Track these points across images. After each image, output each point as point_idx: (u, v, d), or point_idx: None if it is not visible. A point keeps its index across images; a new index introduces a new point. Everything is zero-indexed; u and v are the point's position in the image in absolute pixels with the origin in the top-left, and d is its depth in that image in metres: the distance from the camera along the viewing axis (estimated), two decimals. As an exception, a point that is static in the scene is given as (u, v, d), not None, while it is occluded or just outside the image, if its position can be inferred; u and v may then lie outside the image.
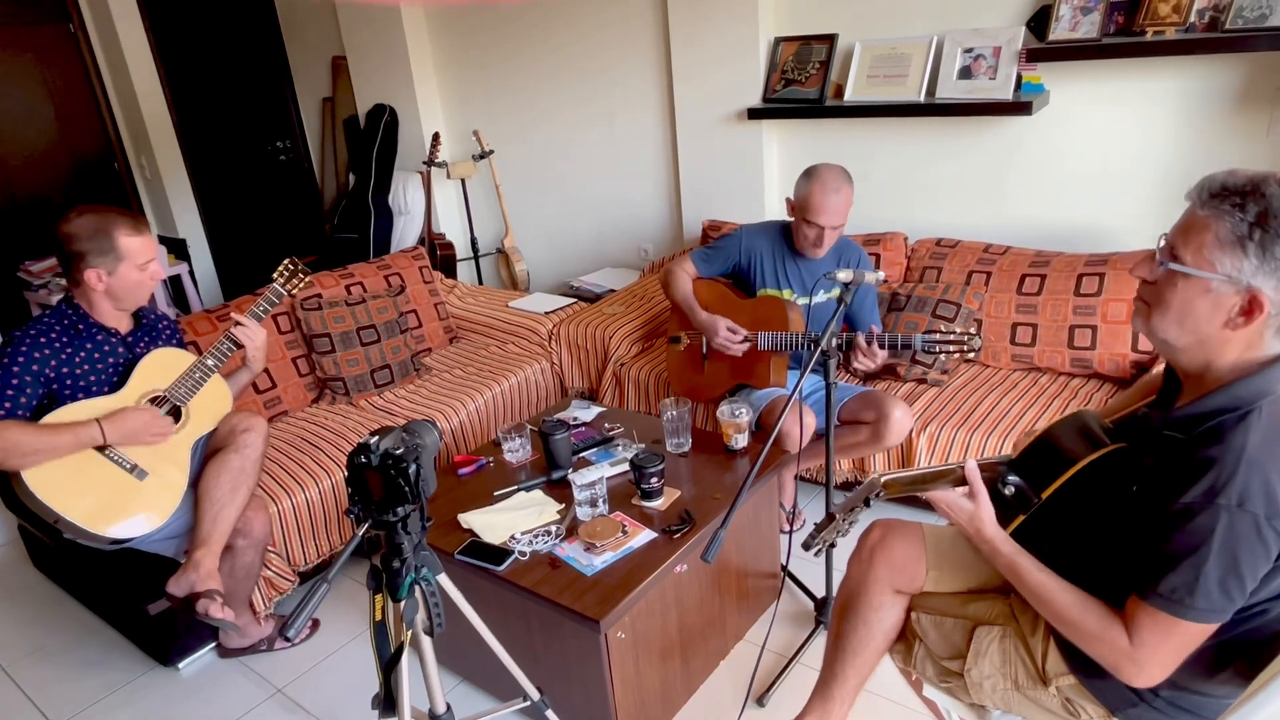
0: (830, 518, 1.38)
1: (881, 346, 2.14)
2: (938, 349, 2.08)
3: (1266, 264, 1.04)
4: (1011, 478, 1.32)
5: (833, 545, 1.40)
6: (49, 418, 2.02)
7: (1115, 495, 1.20)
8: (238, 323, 2.23)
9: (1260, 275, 1.05)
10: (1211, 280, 1.07)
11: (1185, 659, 1.17)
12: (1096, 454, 1.25)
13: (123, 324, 2.19)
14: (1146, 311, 1.17)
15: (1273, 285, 1.05)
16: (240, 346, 2.25)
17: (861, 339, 2.12)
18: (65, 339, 2.08)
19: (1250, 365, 1.11)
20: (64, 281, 2.13)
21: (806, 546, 1.37)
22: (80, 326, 2.11)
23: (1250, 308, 1.06)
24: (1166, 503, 1.10)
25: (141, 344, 2.23)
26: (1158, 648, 1.13)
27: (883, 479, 1.36)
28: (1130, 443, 1.26)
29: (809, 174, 2.35)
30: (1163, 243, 1.15)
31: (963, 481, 1.33)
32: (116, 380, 2.15)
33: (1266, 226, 1.03)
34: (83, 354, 2.10)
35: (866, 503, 1.37)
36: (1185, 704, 1.24)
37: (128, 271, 2.07)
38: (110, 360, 2.14)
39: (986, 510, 1.30)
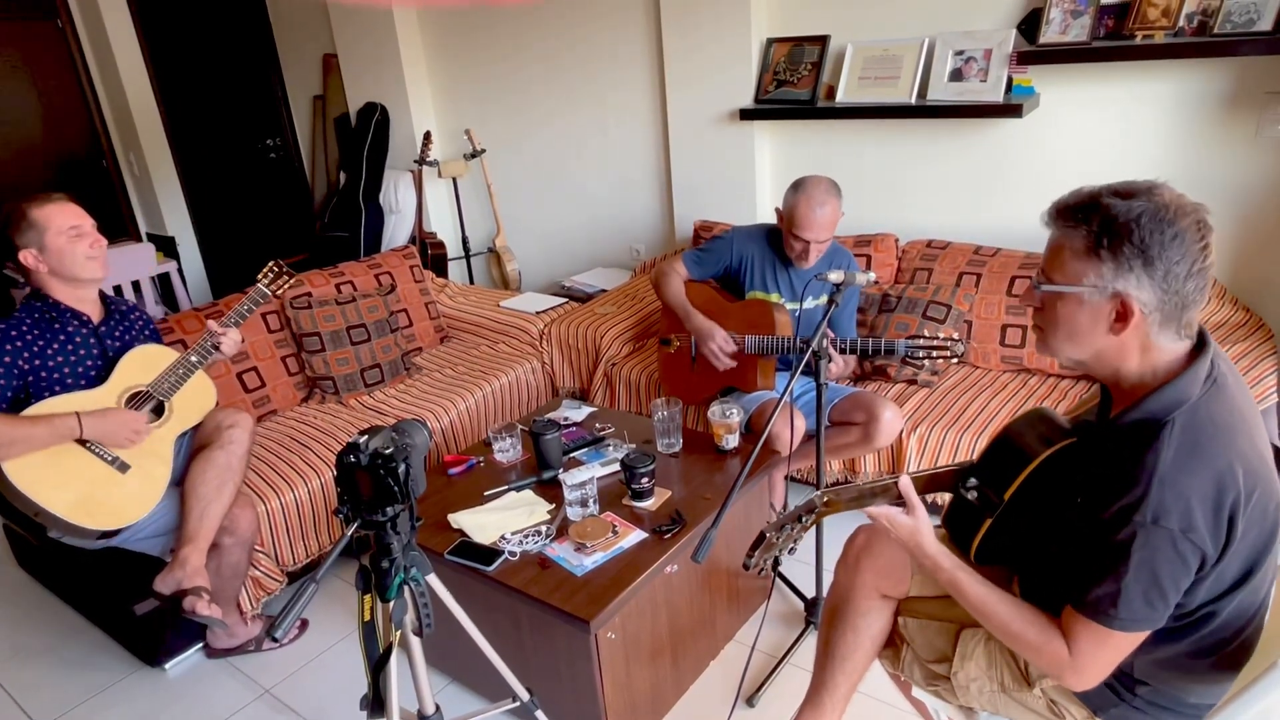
0: (761, 537, 1.36)
1: (852, 352, 2.14)
2: (921, 354, 2.08)
3: (1121, 267, 1.09)
4: (971, 481, 1.31)
5: (777, 561, 1.38)
6: (29, 411, 2.00)
7: (1065, 497, 1.21)
8: (220, 334, 2.22)
9: (1120, 279, 1.10)
10: (1082, 292, 1.13)
11: (1159, 661, 1.21)
12: (1051, 450, 1.26)
13: (94, 311, 2.19)
14: (1043, 335, 1.23)
15: (1134, 285, 1.09)
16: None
17: (828, 342, 2.11)
18: (37, 331, 2.08)
19: (1158, 373, 1.14)
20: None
21: (746, 567, 1.36)
22: (51, 314, 2.11)
23: (1123, 312, 1.11)
24: (1094, 514, 1.13)
25: (116, 333, 2.22)
26: (1094, 656, 1.16)
27: (824, 498, 1.37)
28: (1080, 439, 1.27)
29: (796, 186, 2.35)
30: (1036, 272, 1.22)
31: (901, 498, 1.33)
32: (95, 375, 2.14)
33: (1111, 233, 1.09)
34: (55, 345, 2.10)
35: (799, 519, 1.36)
36: (1163, 701, 1.26)
37: (55, 242, 2.08)
38: (83, 351, 2.14)
39: (925, 524, 1.32)
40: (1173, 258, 1.07)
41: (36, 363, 2.06)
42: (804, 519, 1.36)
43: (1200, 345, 1.15)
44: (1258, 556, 1.14)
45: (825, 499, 1.36)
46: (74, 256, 2.10)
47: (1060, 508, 1.20)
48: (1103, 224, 1.09)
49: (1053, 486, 1.24)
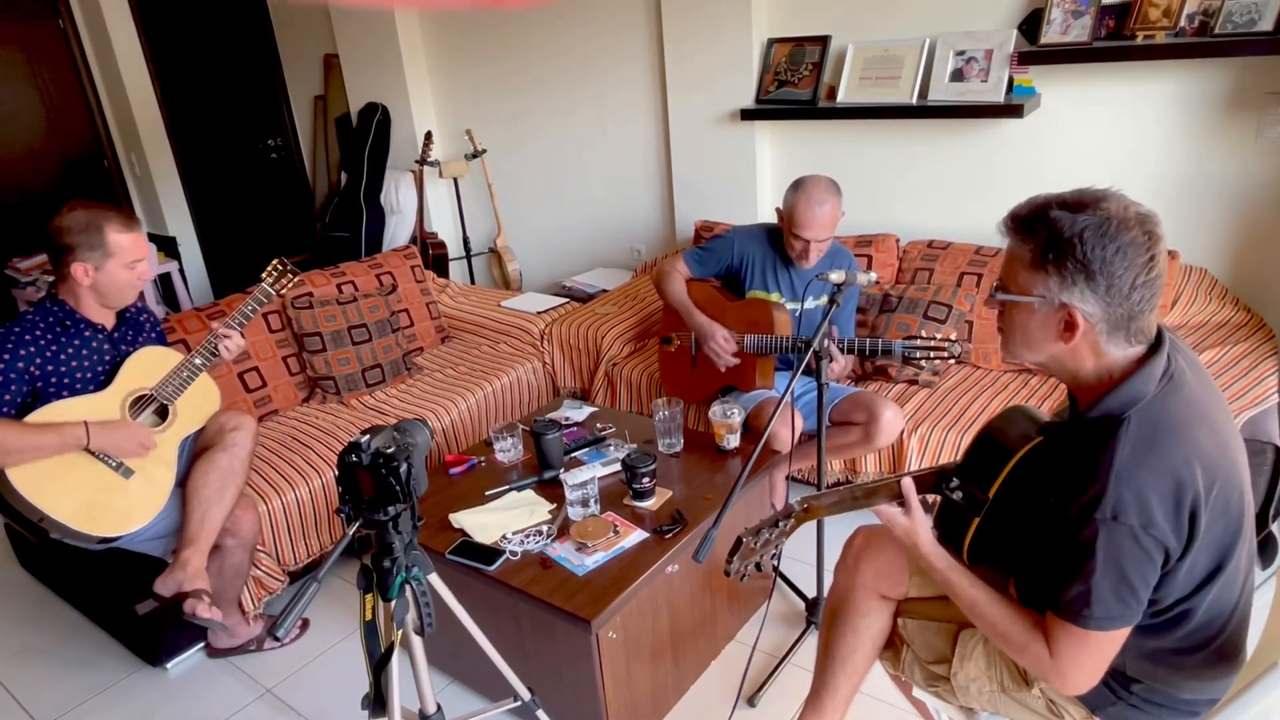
0: (738, 542, 1.36)
1: (850, 351, 2.14)
2: (918, 355, 2.08)
3: (1066, 281, 1.12)
4: (954, 481, 1.33)
5: (759, 566, 1.39)
6: (34, 416, 2.00)
7: (1041, 495, 1.22)
8: (224, 335, 2.22)
9: (1065, 292, 1.12)
10: (1032, 303, 1.16)
11: (1148, 659, 1.22)
12: (1031, 444, 1.27)
13: (108, 320, 2.18)
14: (1004, 338, 1.26)
15: (1079, 298, 1.12)
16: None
17: (828, 341, 2.11)
18: (50, 336, 2.06)
19: (1114, 373, 1.16)
20: (51, 279, 2.12)
21: (727, 573, 1.37)
22: (67, 323, 2.09)
23: (1070, 322, 1.14)
24: (1062, 513, 1.14)
25: (127, 339, 2.22)
26: (1075, 658, 1.17)
27: (804, 504, 1.37)
28: (1050, 437, 1.28)
29: (796, 186, 2.35)
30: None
31: (900, 495, 1.35)
32: (103, 378, 2.13)
33: (1055, 248, 1.11)
34: (69, 351, 2.08)
35: (776, 524, 1.36)
36: (1158, 699, 1.27)
37: (115, 269, 2.06)
38: (96, 357, 2.13)
39: (921, 525, 1.33)
40: (1115, 272, 1.09)
41: (49, 368, 2.05)
42: (781, 524, 1.36)
43: (1157, 345, 1.17)
44: (1226, 549, 1.15)
45: (805, 505, 1.37)
46: (123, 285, 2.09)
47: (1037, 504, 1.22)
48: (1048, 239, 1.12)
49: (1031, 483, 1.25)
